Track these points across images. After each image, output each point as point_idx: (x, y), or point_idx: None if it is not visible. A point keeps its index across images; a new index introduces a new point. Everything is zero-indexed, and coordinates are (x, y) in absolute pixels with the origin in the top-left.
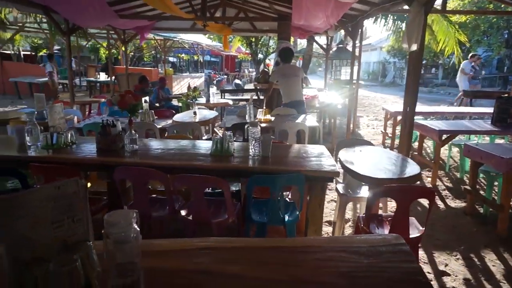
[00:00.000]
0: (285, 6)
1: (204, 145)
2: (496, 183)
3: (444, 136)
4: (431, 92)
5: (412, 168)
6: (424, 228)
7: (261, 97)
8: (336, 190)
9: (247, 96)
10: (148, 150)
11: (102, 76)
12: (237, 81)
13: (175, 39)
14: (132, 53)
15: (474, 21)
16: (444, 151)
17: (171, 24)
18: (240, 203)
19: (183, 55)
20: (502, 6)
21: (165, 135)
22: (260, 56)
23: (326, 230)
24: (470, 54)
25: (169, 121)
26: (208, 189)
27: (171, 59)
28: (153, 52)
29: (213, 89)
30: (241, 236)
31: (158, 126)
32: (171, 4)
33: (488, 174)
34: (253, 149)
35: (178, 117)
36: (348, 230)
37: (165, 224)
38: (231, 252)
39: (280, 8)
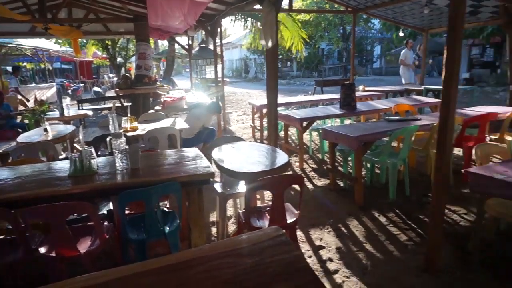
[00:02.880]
0: (140, 6)
1: (61, 166)
2: (350, 159)
3: (305, 123)
4: (289, 84)
5: (282, 158)
6: (298, 212)
7: (125, 104)
8: (214, 189)
9: (110, 104)
10: None
11: None
12: (96, 88)
13: (10, 45)
14: None
15: (316, 19)
16: (306, 137)
17: (2, 28)
18: (114, 224)
19: (25, 63)
20: (336, 6)
21: (9, 161)
22: (119, 60)
23: (211, 231)
24: (405, 41)
25: (13, 143)
26: (73, 216)
27: (9, 68)
28: None
29: (66, 100)
30: (119, 261)
31: None
32: None
33: (343, 152)
34: (120, 163)
35: (24, 137)
36: (232, 227)
37: (20, 269)
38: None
39: (135, 9)
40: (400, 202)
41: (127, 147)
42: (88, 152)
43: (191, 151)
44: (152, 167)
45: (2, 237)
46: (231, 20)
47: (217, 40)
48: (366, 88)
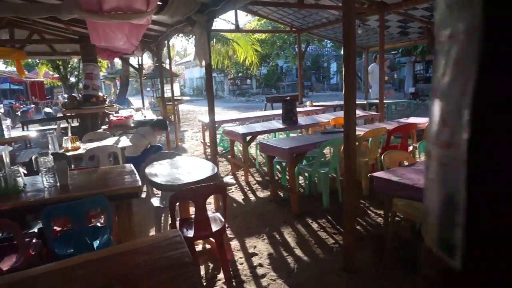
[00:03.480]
0: (84, 27)
1: None
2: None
3: (248, 138)
4: (248, 101)
5: (210, 170)
6: (224, 220)
7: (73, 124)
8: (151, 203)
9: (64, 124)
10: None
11: None
12: (47, 109)
13: None
14: None
15: (271, 38)
16: (254, 151)
17: None
18: (44, 241)
19: None
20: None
21: None
22: (72, 80)
23: None
24: (374, 56)
25: None
26: (1, 234)
27: None
28: None
29: (6, 122)
30: None
31: None
32: None
33: (280, 164)
34: (47, 180)
35: None
36: None
37: None
38: None
39: (79, 30)
40: (333, 209)
41: (53, 164)
42: (14, 171)
43: (127, 167)
44: (83, 183)
45: None
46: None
47: (168, 60)
48: (315, 103)
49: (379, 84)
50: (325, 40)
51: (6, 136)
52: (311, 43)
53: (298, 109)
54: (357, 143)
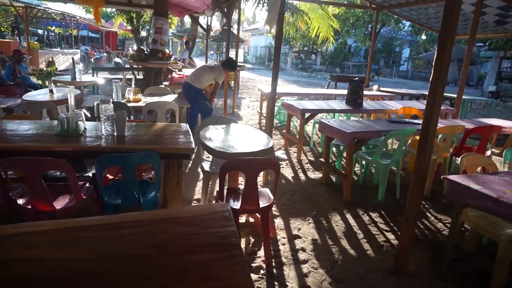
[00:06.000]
0: None
1: (54, 126)
2: (345, 155)
3: (306, 115)
4: (310, 77)
5: (265, 143)
6: (273, 198)
7: (138, 77)
8: (201, 167)
9: (130, 76)
10: None
11: None
12: (117, 59)
13: (39, 7)
14: None
15: (345, 14)
16: (311, 129)
17: None
18: (95, 187)
19: (54, 27)
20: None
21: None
22: (143, 34)
23: None
24: None
25: (19, 100)
26: (60, 174)
27: (39, 31)
28: (12, 20)
29: (79, 66)
30: None
31: (2, 106)
32: None
33: (337, 147)
34: (105, 128)
35: (30, 95)
36: None
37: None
38: (38, 236)
39: None
40: (387, 204)
41: (113, 113)
42: (77, 114)
43: (182, 127)
44: (138, 136)
45: None
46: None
47: (237, 24)
48: (382, 89)
49: (460, 77)
50: (403, 22)
51: (77, 80)
52: (387, 24)
53: (364, 92)
54: None
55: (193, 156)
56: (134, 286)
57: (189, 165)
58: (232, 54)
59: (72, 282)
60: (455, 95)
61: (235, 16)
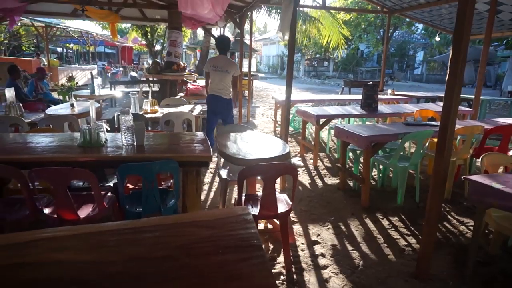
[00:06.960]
0: None
1: (77, 137)
2: (361, 159)
3: (322, 121)
4: (323, 84)
5: (282, 149)
6: (291, 203)
7: (154, 89)
8: (218, 175)
9: (146, 88)
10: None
11: None
12: (132, 73)
13: (58, 26)
14: (6, 41)
15: (356, 20)
16: (326, 135)
17: (48, 8)
18: (117, 196)
19: (72, 45)
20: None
21: None
22: (157, 47)
23: None
24: None
25: (42, 115)
26: (83, 184)
27: (58, 49)
28: (34, 40)
29: (98, 81)
30: None
31: (27, 120)
32: None
33: (354, 152)
34: (125, 138)
35: (52, 109)
36: None
37: (25, 226)
38: (63, 240)
39: None
40: (407, 207)
41: (132, 124)
42: (98, 125)
43: (199, 135)
44: (157, 146)
45: (13, 196)
46: (268, 13)
47: (249, 34)
48: (397, 93)
49: (477, 78)
50: (415, 25)
51: (96, 94)
52: (399, 28)
53: (379, 96)
54: None
55: (211, 165)
56: (161, 287)
57: (206, 174)
58: (245, 64)
59: (101, 284)
60: (473, 96)
61: (247, 26)
